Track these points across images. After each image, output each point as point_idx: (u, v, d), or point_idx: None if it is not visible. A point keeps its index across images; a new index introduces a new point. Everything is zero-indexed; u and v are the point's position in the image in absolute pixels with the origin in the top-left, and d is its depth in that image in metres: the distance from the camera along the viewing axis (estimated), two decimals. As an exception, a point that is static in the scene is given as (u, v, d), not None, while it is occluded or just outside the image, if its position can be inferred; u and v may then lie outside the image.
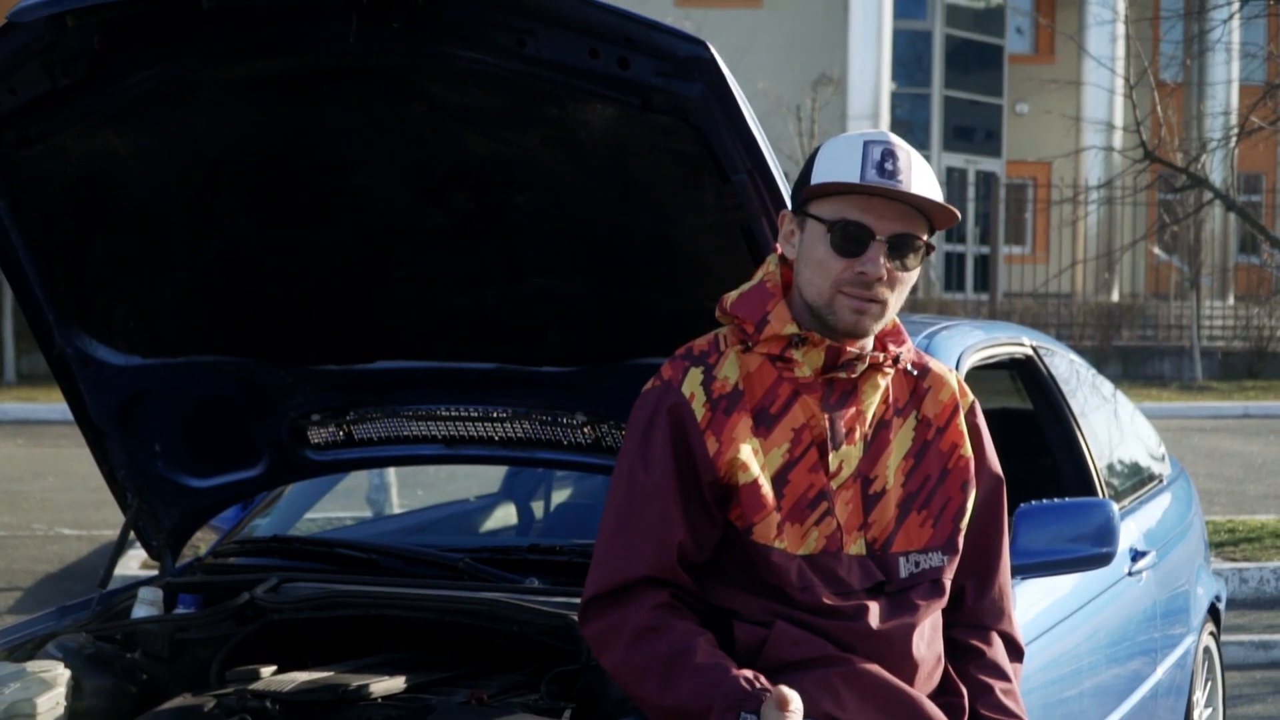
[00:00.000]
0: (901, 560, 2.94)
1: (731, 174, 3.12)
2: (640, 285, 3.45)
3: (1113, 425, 5.54)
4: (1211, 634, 5.78)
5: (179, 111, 3.33)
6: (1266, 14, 12.45)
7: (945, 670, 3.01)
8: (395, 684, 3.34)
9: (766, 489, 2.88)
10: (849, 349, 2.91)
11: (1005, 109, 31.58)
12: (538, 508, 5.42)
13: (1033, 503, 3.98)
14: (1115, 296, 26.66)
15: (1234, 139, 12.51)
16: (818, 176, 2.87)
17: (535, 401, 3.74)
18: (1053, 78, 23.93)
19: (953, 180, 29.27)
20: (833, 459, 2.92)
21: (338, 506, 7.63)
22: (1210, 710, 5.80)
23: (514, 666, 3.52)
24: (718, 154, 3.11)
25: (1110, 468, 5.23)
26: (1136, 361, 23.57)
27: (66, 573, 9.77)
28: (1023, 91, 31.09)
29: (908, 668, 2.90)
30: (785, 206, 3.01)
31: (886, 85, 27.60)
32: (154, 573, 4.24)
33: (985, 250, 26.85)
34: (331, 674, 3.40)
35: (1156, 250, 25.49)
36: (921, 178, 2.86)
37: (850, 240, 2.85)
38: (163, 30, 3.18)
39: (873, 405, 2.96)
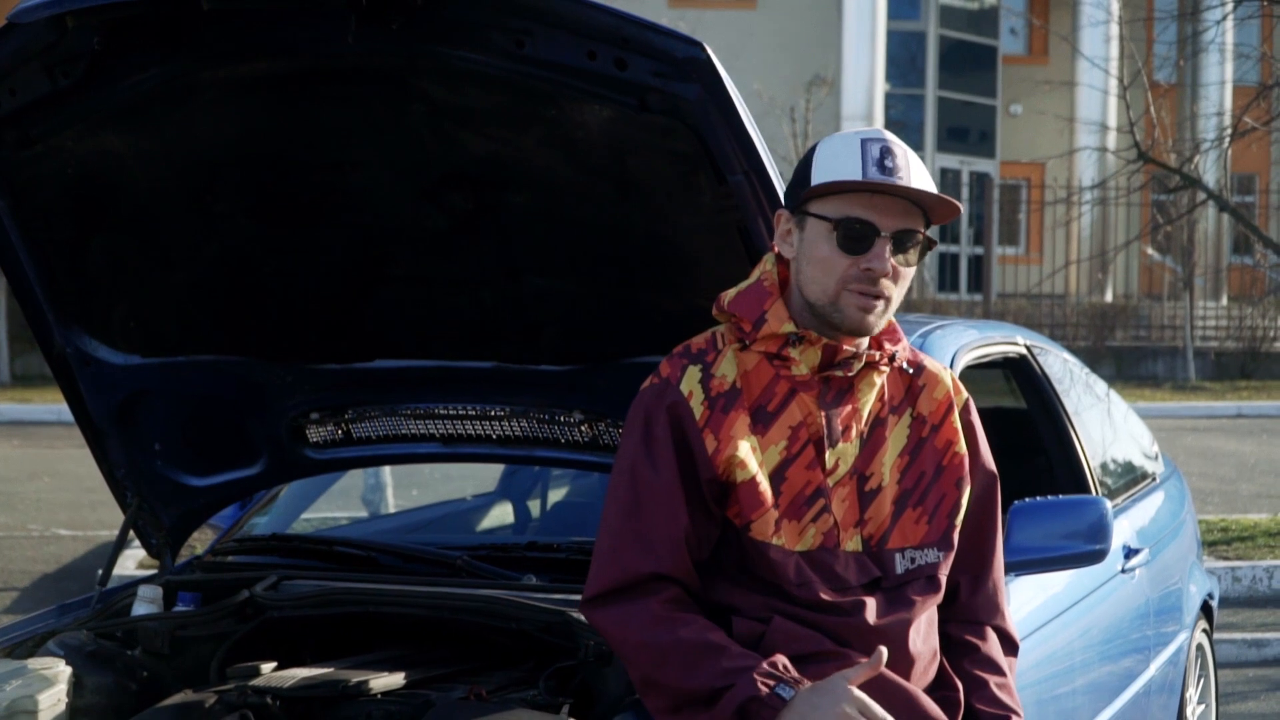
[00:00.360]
0: (897, 556, 2.97)
1: (728, 174, 3.14)
2: (637, 284, 3.47)
3: (1106, 424, 5.56)
4: (1204, 631, 5.80)
5: (179, 112, 3.35)
6: (1260, 15, 12.49)
7: (941, 665, 3.03)
8: (395, 680, 3.35)
9: (764, 486, 2.90)
10: (845, 347, 2.93)
11: (999, 110, 31.59)
12: (534, 507, 5.44)
13: (1027, 500, 4.00)
14: (1109, 297, 26.66)
15: (1227, 140, 12.53)
16: (818, 176, 2.89)
17: (533, 400, 3.76)
18: (1046, 78, 24.00)
19: (947, 181, 29.28)
20: (829, 456, 2.94)
21: (333, 507, 7.63)
22: (1203, 707, 5.83)
23: (512, 663, 3.53)
24: (714, 154, 3.12)
25: (1103, 466, 5.25)
26: (1130, 362, 23.59)
27: (62, 573, 9.77)
28: (1017, 92, 31.12)
29: (904, 663, 2.92)
30: (781, 206, 3.02)
31: (880, 86, 27.62)
32: (149, 573, 4.25)
33: (979, 251, 26.86)
34: (331, 670, 3.41)
35: (1150, 251, 25.52)
36: (919, 173, 2.90)
37: (856, 237, 2.87)
38: (162, 31, 3.19)
39: (868, 403, 2.98)
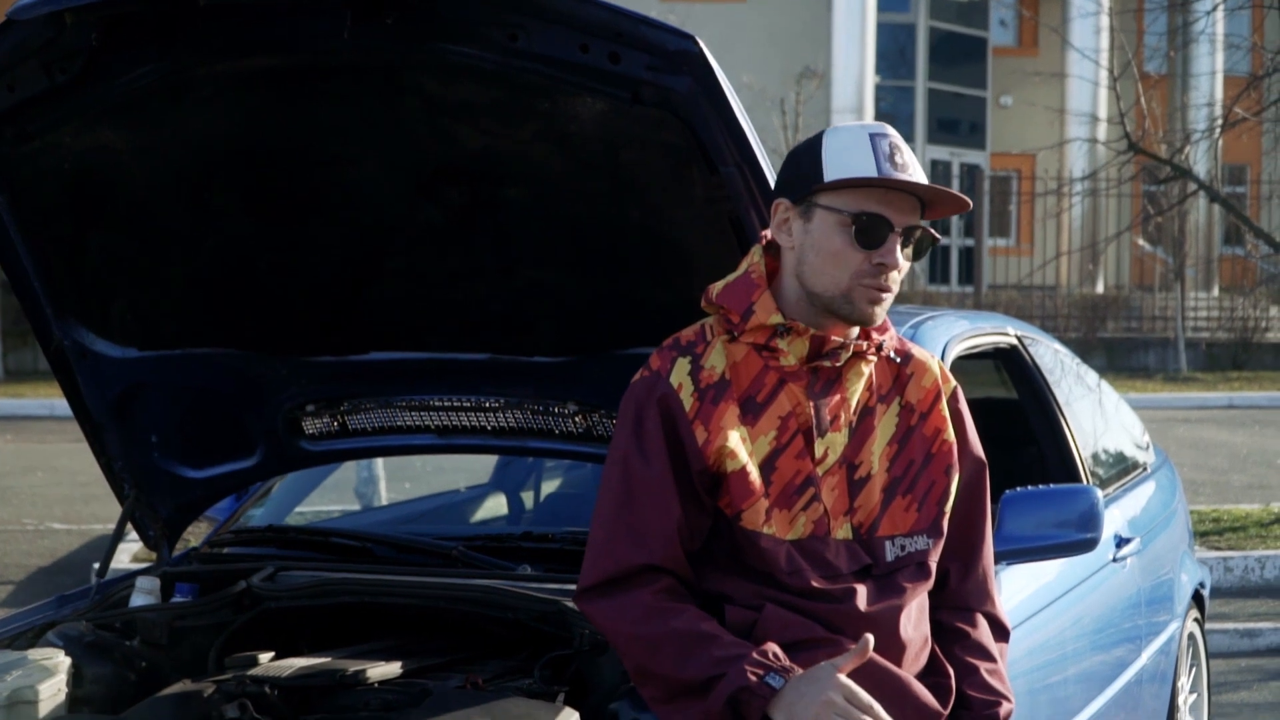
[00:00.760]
0: (887, 544, 2.99)
1: (720, 166, 3.16)
2: (630, 276, 3.49)
3: (1097, 414, 5.59)
4: (1196, 620, 5.83)
5: (175, 108, 3.37)
6: (1250, 5, 12.51)
7: (932, 651, 3.05)
8: (392, 669, 3.38)
9: (754, 476, 2.92)
10: (833, 338, 2.95)
11: (989, 101, 31.64)
12: (528, 498, 5.46)
13: (1018, 489, 4.02)
14: (1100, 288, 26.70)
15: (1218, 130, 12.57)
16: (831, 170, 2.89)
17: (527, 391, 3.78)
18: (1036, 70, 24.00)
19: (937, 173, 29.29)
20: (818, 446, 2.96)
21: (327, 500, 7.64)
22: (1195, 696, 5.85)
23: (508, 652, 3.56)
24: (706, 146, 3.15)
25: (1095, 456, 5.28)
26: (1121, 353, 23.62)
27: (58, 566, 9.80)
28: (1007, 84, 31.15)
29: (895, 649, 2.95)
30: (773, 197, 3.03)
31: (870, 78, 27.64)
32: (144, 566, 4.28)
33: (970, 243, 26.88)
34: (329, 660, 3.43)
35: (1141, 242, 25.53)
36: (920, 169, 2.93)
37: (872, 233, 2.89)
38: (160, 27, 3.21)
39: (857, 392, 3.00)
